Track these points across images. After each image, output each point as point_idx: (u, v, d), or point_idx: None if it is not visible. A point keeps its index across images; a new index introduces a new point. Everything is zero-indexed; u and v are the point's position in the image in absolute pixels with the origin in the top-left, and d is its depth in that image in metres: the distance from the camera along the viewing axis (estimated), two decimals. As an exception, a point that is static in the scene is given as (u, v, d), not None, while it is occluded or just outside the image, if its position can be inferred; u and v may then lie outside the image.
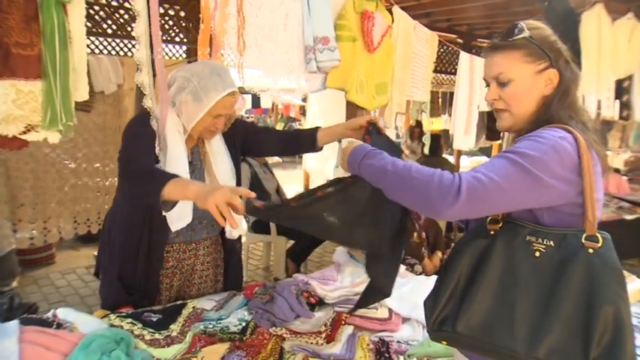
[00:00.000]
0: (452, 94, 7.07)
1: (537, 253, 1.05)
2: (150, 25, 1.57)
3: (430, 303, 1.20)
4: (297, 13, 2.17)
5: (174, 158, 1.73)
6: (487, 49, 1.25)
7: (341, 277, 2.35)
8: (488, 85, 1.26)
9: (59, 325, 1.58)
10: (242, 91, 2.61)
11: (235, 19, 1.90)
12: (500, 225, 1.11)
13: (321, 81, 2.39)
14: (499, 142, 7.10)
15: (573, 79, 1.20)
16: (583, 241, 1.03)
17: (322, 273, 2.40)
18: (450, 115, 7.78)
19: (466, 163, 8.89)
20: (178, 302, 1.94)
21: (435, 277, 2.70)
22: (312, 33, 2.22)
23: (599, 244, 1.02)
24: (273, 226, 4.07)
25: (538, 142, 1.06)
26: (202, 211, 1.89)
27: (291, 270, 4.21)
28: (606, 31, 3.85)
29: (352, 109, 2.66)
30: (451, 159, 6.43)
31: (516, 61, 1.17)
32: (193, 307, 1.89)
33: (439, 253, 3.75)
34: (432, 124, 7.22)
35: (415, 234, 3.66)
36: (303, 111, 10.70)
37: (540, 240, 1.06)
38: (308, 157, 7.90)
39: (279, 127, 16.48)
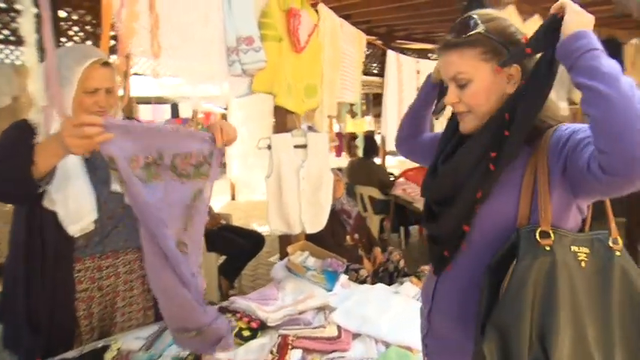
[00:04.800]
0: (375, 95, 7.21)
1: (583, 264, 0.96)
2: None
3: (500, 352, 0.95)
4: (216, 11, 1.97)
5: (65, 167, 1.53)
6: (442, 47, 1.13)
7: (282, 295, 2.18)
8: (447, 85, 1.14)
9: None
10: (158, 101, 2.36)
11: (147, 17, 1.68)
12: (552, 238, 0.96)
13: (246, 85, 2.21)
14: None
15: None
16: (611, 244, 0.97)
17: (261, 293, 2.21)
18: (374, 116, 7.89)
19: (392, 163, 9.01)
20: (99, 345, 1.67)
21: (381, 285, 2.63)
22: (234, 33, 2.03)
23: (620, 245, 0.98)
24: (202, 242, 3.80)
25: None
26: (114, 209, 1.67)
27: (224, 287, 3.97)
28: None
29: (282, 113, 2.50)
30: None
31: (473, 59, 1.06)
32: (118, 350, 1.64)
33: (377, 249, 3.70)
34: (356, 126, 7.26)
35: (347, 237, 3.58)
36: (224, 119, 10.37)
37: (580, 248, 0.97)
38: (232, 166, 7.62)
39: (201, 136, 15.94)
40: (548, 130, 1.05)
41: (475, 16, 1.07)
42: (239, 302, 2.03)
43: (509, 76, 1.07)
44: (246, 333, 1.83)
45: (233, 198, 8.90)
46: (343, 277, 2.42)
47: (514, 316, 0.94)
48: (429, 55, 6.73)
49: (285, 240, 2.60)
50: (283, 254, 2.53)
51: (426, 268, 3.22)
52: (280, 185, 2.40)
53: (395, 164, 9.16)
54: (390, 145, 3.61)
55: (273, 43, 2.22)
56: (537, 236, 0.96)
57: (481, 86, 1.07)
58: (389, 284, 3.25)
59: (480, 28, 1.05)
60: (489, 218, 1.07)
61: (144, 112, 12.43)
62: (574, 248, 0.97)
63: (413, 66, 3.56)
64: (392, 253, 3.69)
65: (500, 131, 1.04)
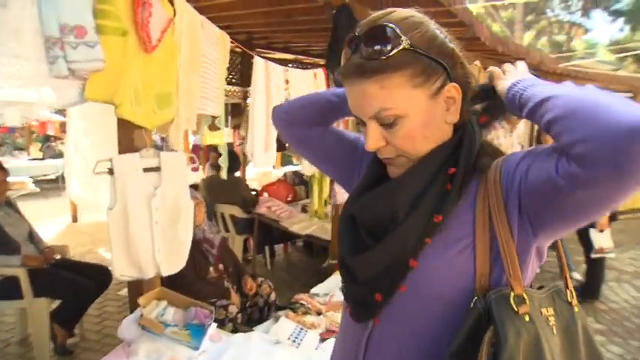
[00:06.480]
0: (234, 105, 6.80)
1: (554, 330, 0.77)
2: None
3: None
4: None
5: None
6: (349, 73, 0.78)
7: (132, 363, 1.69)
8: (361, 123, 0.82)
9: None
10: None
11: None
12: (528, 304, 0.74)
13: (77, 90, 1.67)
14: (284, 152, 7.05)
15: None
16: (569, 299, 0.82)
17: (104, 362, 1.69)
18: (232, 128, 7.45)
19: (251, 175, 8.62)
20: None
21: (258, 335, 2.24)
22: (57, 19, 1.50)
23: (576, 299, 0.83)
24: (27, 286, 3.03)
25: None
26: None
27: (60, 337, 3.22)
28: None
29: (127, 129, 1.99)
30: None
31: (401, 88, 0.75)
32: None
33: (248, 278, 3.31)
34: (213, 138, 6.76)
35: (211, 268, 3.14)
36: (64, 128, 9.07)
37: (548, 310, 0.78)
38: (73, 183, 6.63)
39: (35, 147, 13.86)
40: (497, 159, 0.82)
41: (392, 24, 0.75)
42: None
43: (448, 100, 0.80)
44: None
45: (75, 220, 7.72)
46: (212, 328, 1.99)
47: None
48: (290, 65, 6.59)
49: (135, 287, 2.07)
50: (133, 307, 2.00)
51: (303, 298, 2.91)
52: (127, 219, 1.89)
53: (253, 177, 8.81)
54: (257, 161, 3.24)
55: (114, 37, 1.72)
56: (513, 303, 0.73)
57: (417, 122, 0.78)
58: (259, 321, 2.89)
59: (405, 43, 0.74)
60: (442, 253, 0.79)
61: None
62: (544, 311, 0.77)
63: (282, 75, 3.26)
64: (261, 285, 3.34)
65: (457, 150, 0.83)
